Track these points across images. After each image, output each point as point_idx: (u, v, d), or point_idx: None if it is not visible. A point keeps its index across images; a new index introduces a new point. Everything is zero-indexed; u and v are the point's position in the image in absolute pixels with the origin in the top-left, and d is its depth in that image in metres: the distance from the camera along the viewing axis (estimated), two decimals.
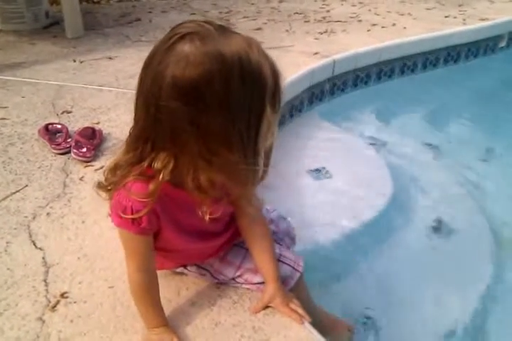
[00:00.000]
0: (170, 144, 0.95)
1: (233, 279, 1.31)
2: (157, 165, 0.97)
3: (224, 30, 0.92)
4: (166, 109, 0.90)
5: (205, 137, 0.92)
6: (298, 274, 1.33)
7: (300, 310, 1.25)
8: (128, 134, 1.02)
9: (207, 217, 1.06)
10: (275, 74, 0.95)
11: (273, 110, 0.97)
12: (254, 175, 1.02)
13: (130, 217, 1.02)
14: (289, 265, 1.32)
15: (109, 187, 1.06)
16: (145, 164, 0.99)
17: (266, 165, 1.06)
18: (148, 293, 1.17)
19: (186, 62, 0.87)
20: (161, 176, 0.97)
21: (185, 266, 1.34)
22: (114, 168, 1.04)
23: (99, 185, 1.07)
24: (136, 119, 0.99)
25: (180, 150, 0.95)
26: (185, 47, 0.88)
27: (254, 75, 0.91)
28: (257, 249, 1.26)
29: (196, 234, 1.18)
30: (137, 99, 0.96)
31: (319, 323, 1.29)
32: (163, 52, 0.90)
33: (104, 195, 1.07)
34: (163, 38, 0.93)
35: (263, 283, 1.28)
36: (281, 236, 1.44)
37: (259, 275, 1.28)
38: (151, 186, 0.99)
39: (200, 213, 1.06)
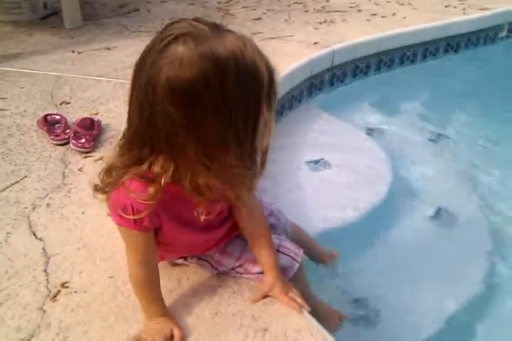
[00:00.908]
0: (167, 148, 0.94)
1: (233, 269, 1.32)
2: (156, 168, 0.96)
3: (217, 29, 0.91)
4: (161, 113, 0.89)
5: (202, 140, 0.91)
6: (297, 264, 1.34)
7: (299, 299, 1.26)
8: (122, 135, 1.02)
9: (202, 218, 1.07)
10: (270, 72, 0.94)
11: (268, 108, 0.96)
12: (251, 178, 1.02)
13: (132, 218, 1.02)
14: (289, 255, 1.33)
15: (106, 189, 1.05)
16: (145, 166, 0.98)
17: (263, 164, 1.05)
18: (148, 286, 1.18)
19: (180, 64, 0.86)
20: (162, 181, 0.97)
21: (185, 258, 1.35)
22: (109, 170, 1.04)
23: (96, 188, 1.07)
24: (129, 122, 0.98)
25: (178, 155, 0.95)
26: (179, 49, 0.87)
27: (249, 75, 0.90)
28: (255, 242, 1.27)
29: (196, 227, 1.18)
30: (130, 102, 0.95)
31: (315, 312, 1.30)
32: (156, 54, 0.89)
33: (101, 197, 1.07)
34: (155, 38, 0.91)
35: (262, 273, 1.29)
36: (279, 231, 1.45)
37: (258, 266, 1.29)
38: (152, 189, 0.99)
39: (195, 214, 1.06)
